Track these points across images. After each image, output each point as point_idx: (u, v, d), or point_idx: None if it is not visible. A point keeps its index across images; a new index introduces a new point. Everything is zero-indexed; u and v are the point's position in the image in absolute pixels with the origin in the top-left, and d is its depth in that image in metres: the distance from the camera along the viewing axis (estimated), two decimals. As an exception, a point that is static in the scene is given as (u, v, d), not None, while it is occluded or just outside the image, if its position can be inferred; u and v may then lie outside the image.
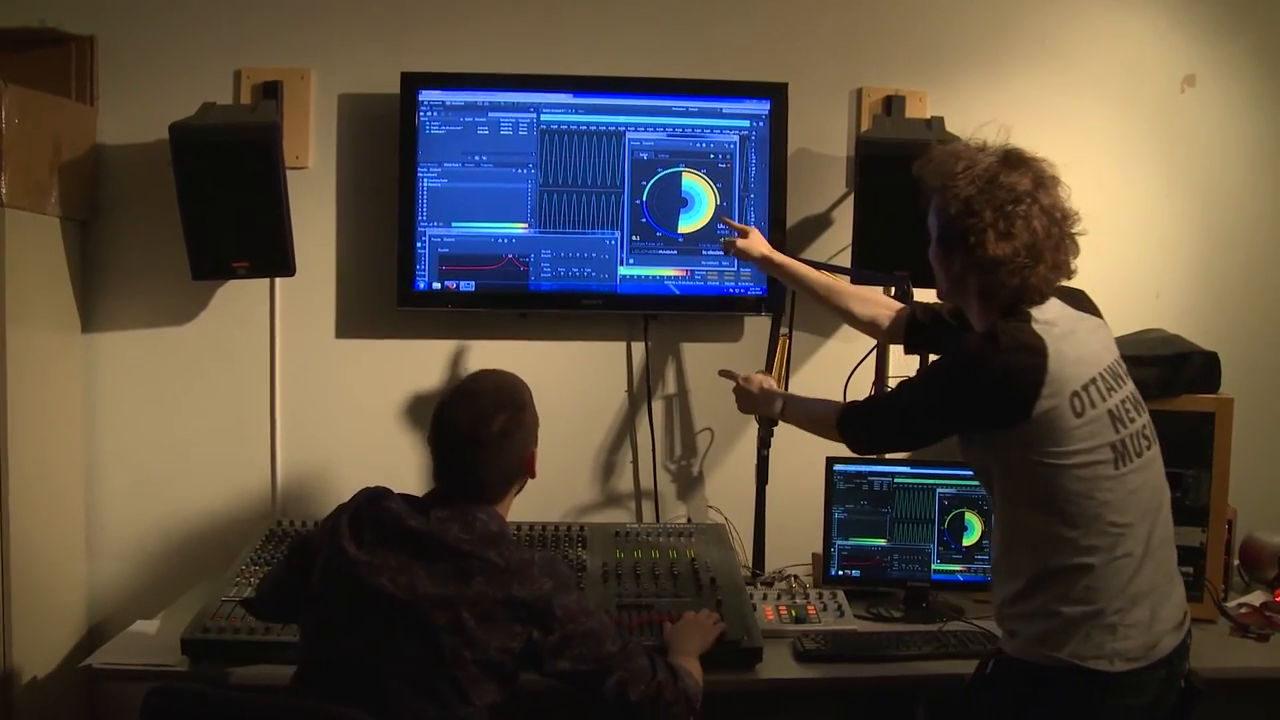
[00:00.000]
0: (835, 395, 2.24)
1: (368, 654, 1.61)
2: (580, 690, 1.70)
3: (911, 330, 2.14)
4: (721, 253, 2.66)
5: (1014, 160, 1.70)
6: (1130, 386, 1.75)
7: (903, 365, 2.41)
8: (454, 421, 1.72)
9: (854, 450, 1.98)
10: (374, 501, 1.72)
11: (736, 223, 2.47)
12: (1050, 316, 1.70)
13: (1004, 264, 1.67)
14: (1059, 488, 1.65)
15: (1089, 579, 1.65)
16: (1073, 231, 1.71)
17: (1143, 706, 1.68)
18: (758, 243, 2.35)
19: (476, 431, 1.70)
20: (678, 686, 1.75)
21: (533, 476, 1.80)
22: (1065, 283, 1.75)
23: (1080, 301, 1.80)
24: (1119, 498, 1.66)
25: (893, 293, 2.36)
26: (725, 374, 2.31)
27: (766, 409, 2.20)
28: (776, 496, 2.60)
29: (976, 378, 1.68)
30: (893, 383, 2.39)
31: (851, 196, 2.66)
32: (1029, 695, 1.70)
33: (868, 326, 2.22)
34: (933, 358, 2.16)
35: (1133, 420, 1.71)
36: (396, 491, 1.76)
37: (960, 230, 1.69)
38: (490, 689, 1.63)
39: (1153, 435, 1.75)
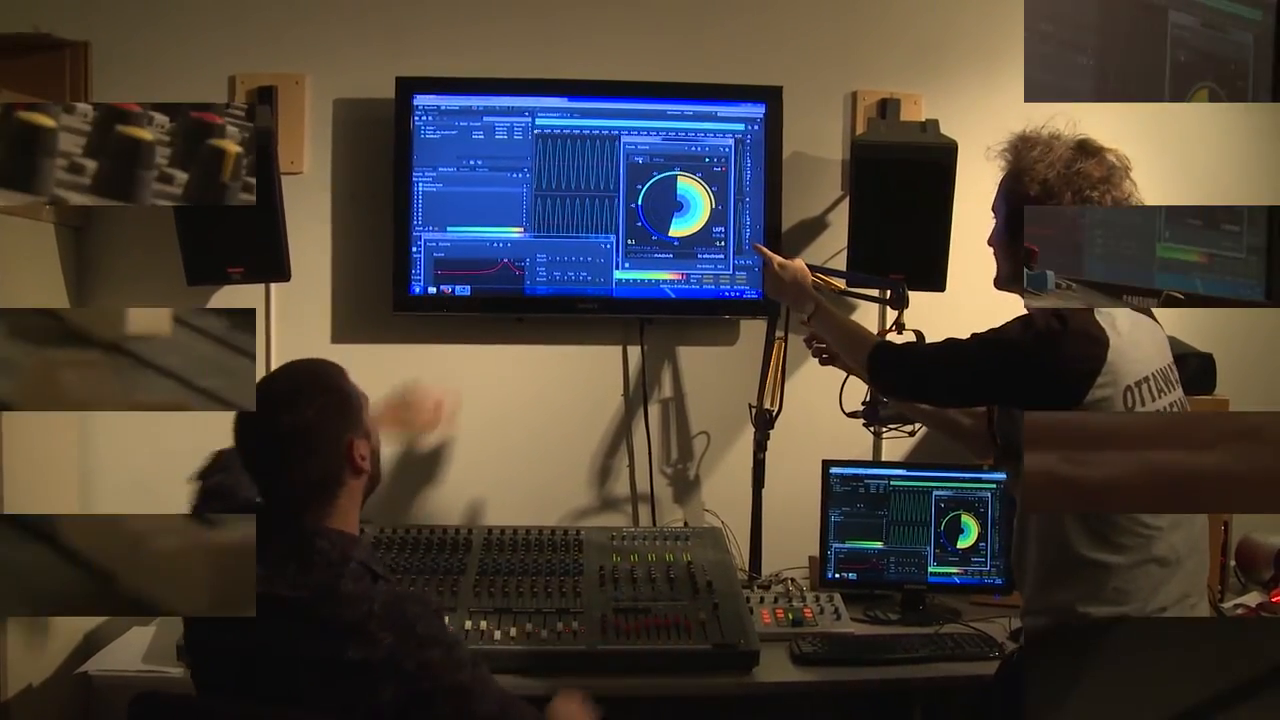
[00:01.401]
0: (831, 400, 2.23)
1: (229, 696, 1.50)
2: None
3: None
4: (716, 255, 2.66)
5: (1089, 149, 1.74)
6: (1179, 392, 1.76)
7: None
8: (245, 426, 1.50)
9: (877, 388, 1.94)
10: None
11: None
12: (1110, 308, 1.71)
13: None
14: None
15: (1117, 580, 1.65)
16: None
17: None
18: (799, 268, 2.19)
19: (269, 431, 1.48)
20: None
21: (364, 473, 1.55)
22: None
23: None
24: None
25: (887, 295, 2.36)
26: (759, 249, 2.25)
27: (796, 305, 2.11)
28: (773, 500, 2.59)
29: (1037, 357, 1.68)
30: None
31: (847, 200, 2.66)
32: None
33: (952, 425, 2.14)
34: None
35: None
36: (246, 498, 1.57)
37: None
38: None
39: None
